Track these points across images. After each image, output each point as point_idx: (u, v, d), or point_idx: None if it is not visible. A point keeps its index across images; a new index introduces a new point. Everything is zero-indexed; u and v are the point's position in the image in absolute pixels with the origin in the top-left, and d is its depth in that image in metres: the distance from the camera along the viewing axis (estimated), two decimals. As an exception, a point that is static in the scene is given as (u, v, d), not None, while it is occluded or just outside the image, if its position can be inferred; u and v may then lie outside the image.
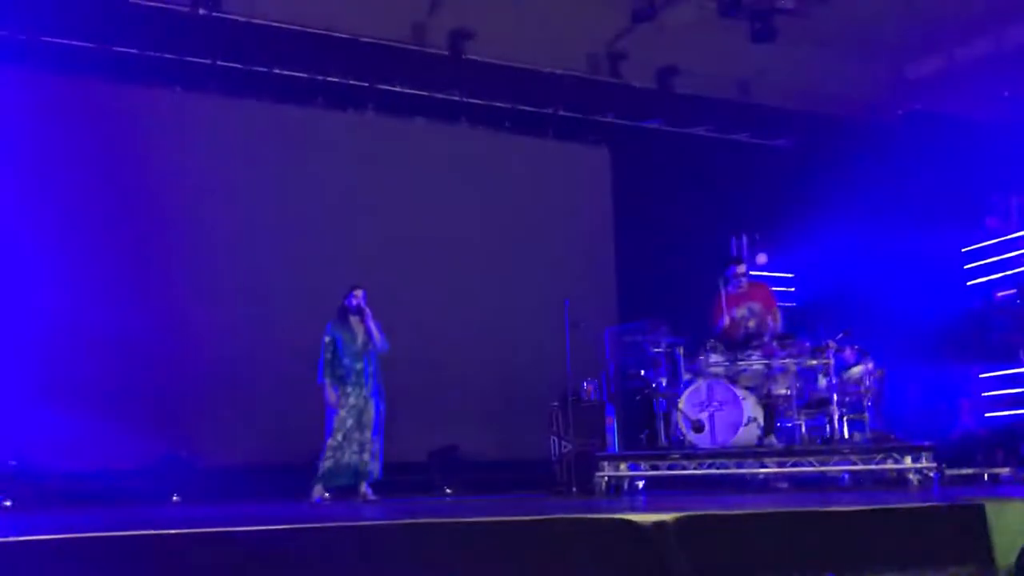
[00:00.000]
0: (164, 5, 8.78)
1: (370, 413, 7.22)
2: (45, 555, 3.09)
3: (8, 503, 7.46)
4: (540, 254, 10.33)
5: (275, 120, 9.64)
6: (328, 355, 7.27)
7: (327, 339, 7.30)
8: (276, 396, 8.78)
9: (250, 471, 8.41)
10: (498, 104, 10.52)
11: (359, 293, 7.38)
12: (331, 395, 7.19)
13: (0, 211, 8.46)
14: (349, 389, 7.22)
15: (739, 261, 8.24)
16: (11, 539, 3.10)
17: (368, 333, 7.31)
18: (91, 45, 8.85)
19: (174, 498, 8.11)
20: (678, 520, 3.56)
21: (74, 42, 8.79)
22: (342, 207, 9.70)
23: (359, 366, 7.26)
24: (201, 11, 8.78)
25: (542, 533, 3.67)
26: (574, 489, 7.82)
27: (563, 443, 8.20)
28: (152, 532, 3.40)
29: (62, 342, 8.28)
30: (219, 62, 9.35)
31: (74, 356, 8.30)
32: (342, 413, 7.15)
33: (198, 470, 8.42)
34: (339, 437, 7.13)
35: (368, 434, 7.20)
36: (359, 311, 7.32)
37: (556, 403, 8.35)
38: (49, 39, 8.70)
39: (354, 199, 9.75)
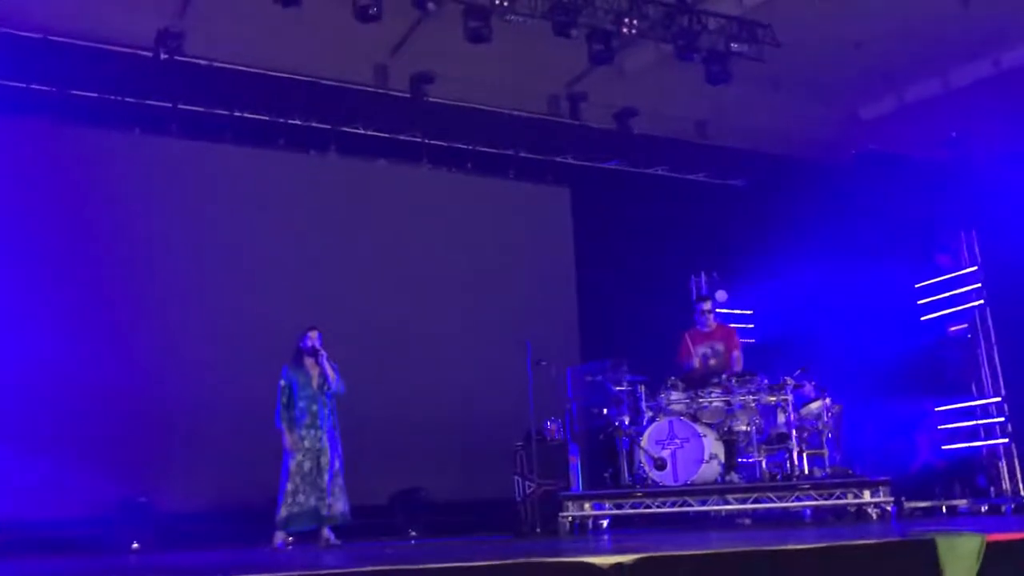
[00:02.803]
0: (125, 49, 8.81)
1: (327, 456, 7.16)
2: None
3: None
4: (502, 294, 10.39)
5: (236, 162, 9.67)
6: (284, 399, 7.20)
7: (283, 383, 7.23)
8: (235, 441, 8.69)
9: (210, 516, 8.30)
10: (459, 145, 10.65)
11: (314, 335, 7.34)
12: (288, 439, 7.13)
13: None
14: (304, 432, 7.15)
15: (706, 299, 8.38)
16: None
17: (323, 375, 7.26)
18: (50, 89, 8.84)
19: (134, 545, 7.99)
20: (636, 561, 3.58)
21: (33, 86, 8.78)
22: (304, 249, 9.71)
23: (314, 408, 7.21)
24: (163, 55, 8.81)
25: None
26: (538, 530, 7.82)
27: (527, 483, 8.20)
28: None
29: (14, 387, 8.16)
30: (180, 105, 9.38)
31: (28, 402, 8.19)
32: (298, 457, 7.08)
33: (158, 516, 8.31)
34: (297, 480, 7.05)
35: (326, 477, 7.13)
36: (314, 352, 7.28)
37: (520, 443, 8.35)
38: (7, 83, 8.69)
39: (316, 240, 9.77)
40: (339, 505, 7.16)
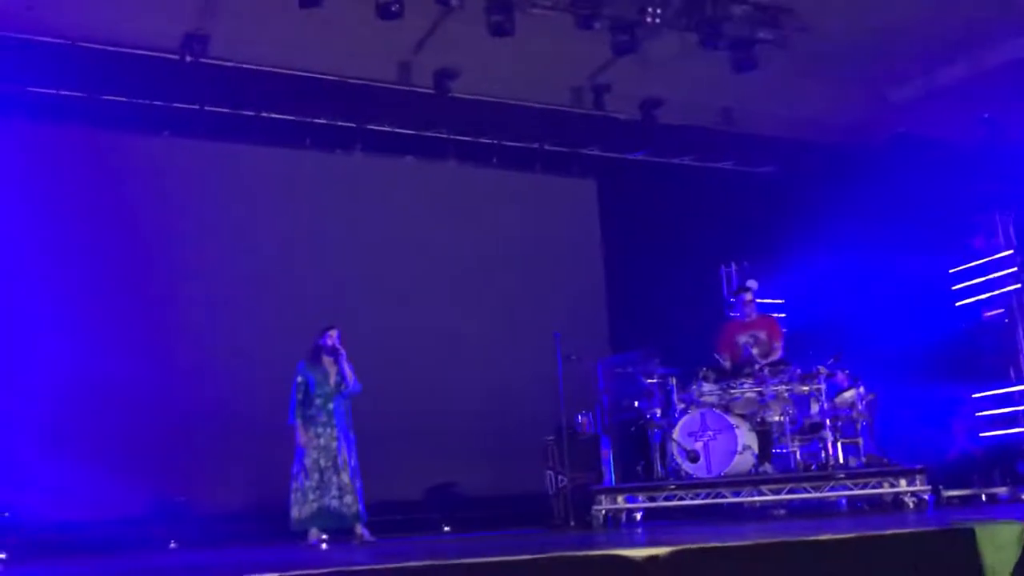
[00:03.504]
0: (152, 53, 8.87)
1: (344, 454, 7.17)
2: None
3: (2, 556, 7.42)
4: (531, 288, 10.38)
5: (263, 163, 9.73)
6: (300, 395, 7.23)
7: (299, 379, 7.26)
8: (270, 440, 8.72)
9: (246, 515, 8.40)
10: (485, 140, 10.64)
11: (333, 333, 7.36)
12: (302, 436, 7.15)
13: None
14: (319, 430, 7.18)
15: (746, 290, 8.32)
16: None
17: (341, 374, 7.29)
18: (81, 94, 8.94)
19: (171, 545, 8.09)
20: (671, 554, 3.56)
21: (64, 92, 8.88)
22: (332, 247, 9.75)
23: (330, 407, 7.23)
24: (188, 57, 8.86)
25: (537, 572, 3.67)
26: (572, 523, 7.81)
27: (559, 477, 8.19)
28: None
29: (53, 392, 8.27)
30: (207, 107, 9.44)
31: (66, 405, 8.29)
32: (313, 454, 7.11)
33: (195, 516, 8.40)
34: (315, 478, 7.07)
35: (345, 476, 7.14)
36: (333, 351, 7.30)
37: (551, 437, 8.34)
38: (38, 89, 8.79)
39: (344, 239, 9.81)
40: (358, 505, 7.17)
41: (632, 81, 10.35)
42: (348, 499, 7.08)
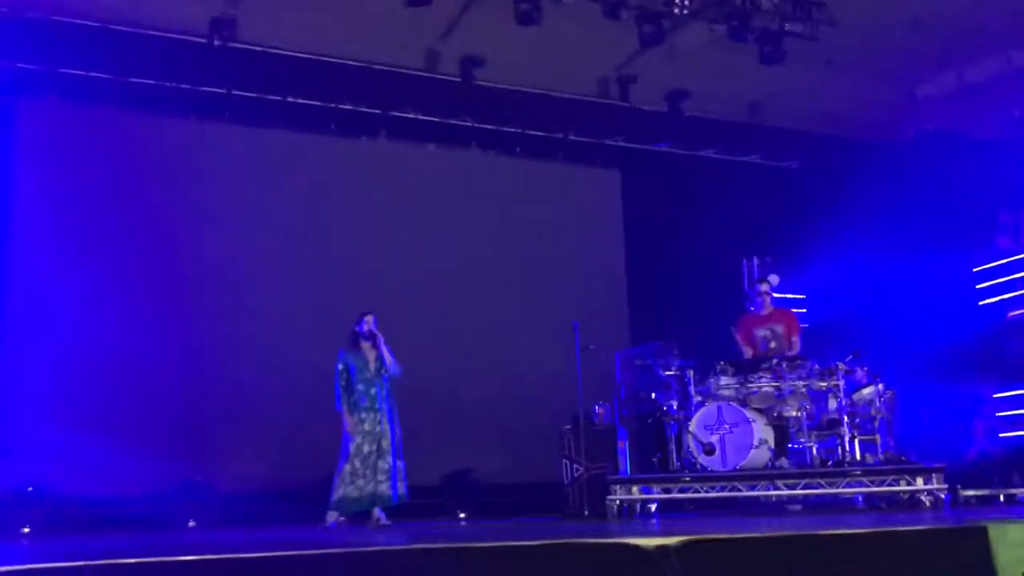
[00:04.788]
0: (180, 36, 8.94)
1: (388, 438, 7.27)
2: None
3: (26, 530, 7.55)
4: (551, 277, 10.40)
5: (289, 148, 9.79)
6: (342, 382, 7.33)
7: (340, 366, 7.36)
8: (289, 422, 8.86)
9: (264, 496, 8.48)
10: (509, 129, 10.64)
11: (369, 319, 7.46)
12: (348, 422, 7.24)
13: (20, 239, 8.65)
14: (364, 415, 7.27)
15: (763, 282, 8.29)
16: (28, 566, 3.17)
17: (380, 358, 7.38)
18: (108, 76, 9.02)
19: (190, 523, 8.19)
20: (681, 544, 3.59)
21: (92, 73, 8.96)
22: (355, 233, 9.81)
23: (373, 391, 7.33)
24: (216, 41, 8.92)
25: (548, 557, 3.70)
26: (586, 512, 7.84)
27: (575, 467, 8.22)
28: (166, 559, 3.46)
29: (78, 369, 8.40)
30: (234, 91, 9.50)
31: (90, 383, 8.42)
32: (358, 440, 7.20)
33: (214, 495, 8.50)
34: (356, 463, 7.16)
35: (389, 460, 7.24)
36: (371, 336, 7.39)
37: (568, 427, 8.37)
38: (67, 71, 8.89)
39: (367, 225, 9.87)
40: (402, 486, 7.27)
41: (658, 72, 10.31)
42: (385, 483, 7.18)
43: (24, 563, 3.23)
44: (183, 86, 9.30)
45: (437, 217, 10.12)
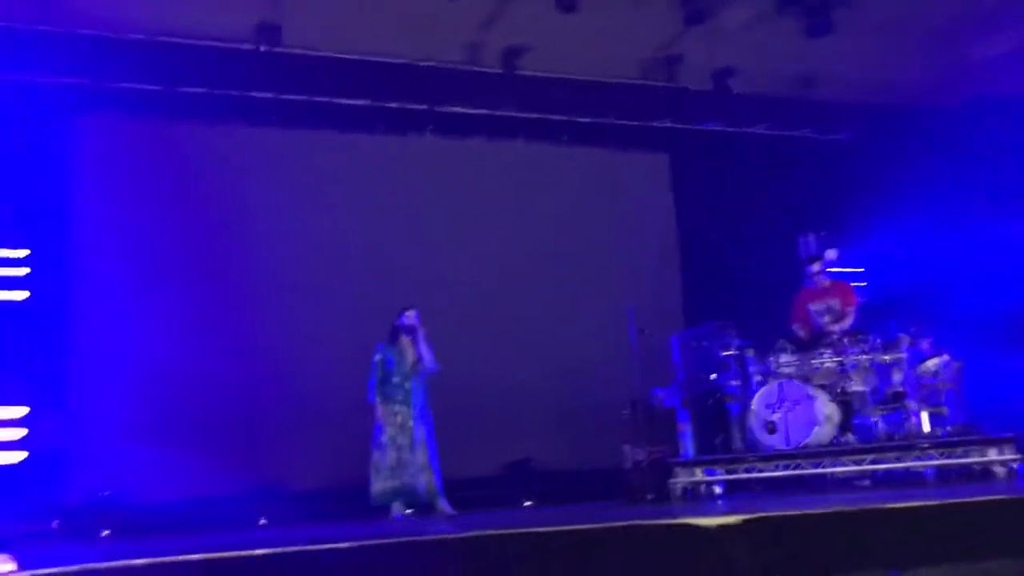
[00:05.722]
0: (226, 44, 9.08)
1: (422, 432, 7.30)
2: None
3: (106, 532, 7.78)
4: (604, 263, 10.37)
5: (338, 148, 9.89)
6: (379, 373, 7.39)
7: (377, 358, 7.43)
8: (353, 421, 8.95)
9: (332, 493, 8.59)
10: (554, 117, 10.61)
11: (411, 313, 7.51)
12: (381, 413, 7.29)
13: (88, 255, 8.88)
14: (397, 408, 7.32)
15: (818, 258, 8.17)
16: (111, 564, 3.28)
17: (418, 354, 7.40)
18: (158, 87, 9.20)
19: (261, 521, 8.35)
20: (743, 523, 3.56)
21: (141, 86, 9.15)
22: (406, 229, 9.87)
23: (408, 385, 7.37)
24: (262, 47, 9.05)
25: (610, 541, 3.71)
26: (650, 497, 7.81)
27: (636, 451, 8.19)
28: (240, 553, 3.55)
29: (150, 379, 8.61)
30: (281, 96, 9.63)
31: (162, 392, 8.61)
32: (391, 432, 7.25)
33: (282, 495, 8.65)
34: (392, 455, 7.21)
35: (424, 454, 7.27)
36: (411, 331, 7.44)
37: (627, 411, 8.35)
38: (117, 84, 9.08)
39: (417, 220, 9.92)
40: (436, 481, 7.30)
41: (704, 51, 10.18)
42: (426, 476, 7.22)
43: (105, 561, 3.35)
44: (231, 93, 9.45)
45: (487, 209, 10.15)
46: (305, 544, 3.74)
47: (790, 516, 3.57)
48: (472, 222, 10.08)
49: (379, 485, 7.19)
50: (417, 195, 10.01)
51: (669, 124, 11.06)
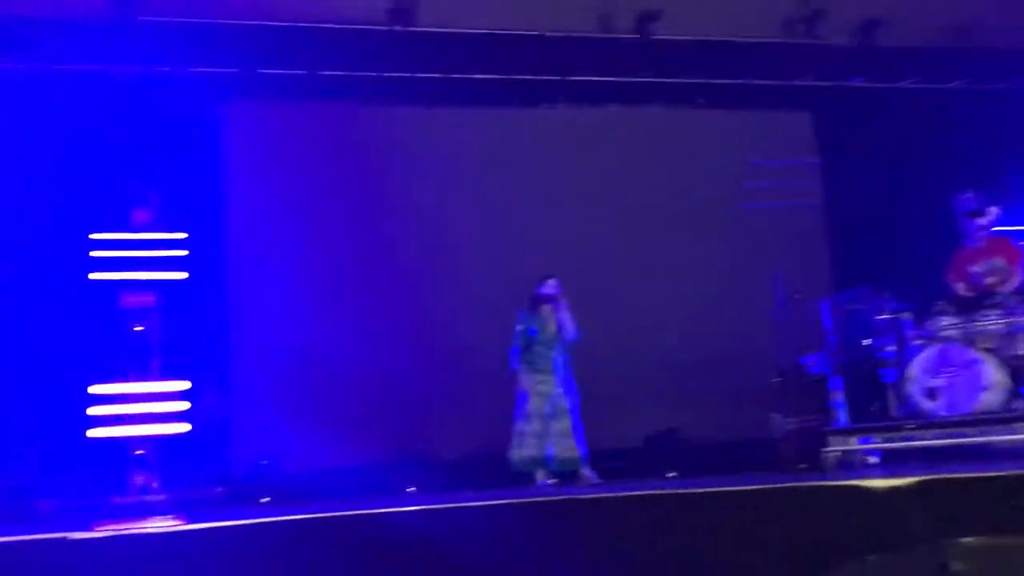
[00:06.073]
0: (362, 26, 9.27)
1: (564, 400, 7.31)
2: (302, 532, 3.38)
3: (266, 499, 8.15)
4: (747, 228, 10.09)
5: (472, 125, 9.97)
6: (521, 342, 7.45)
7: (520, 327, 7.51)
8: (496, 390, 9.06)
9: (475, 462, 8.72)
10: (691, 81, 10.35)
11: (552, 282, 7.55)
12: (525, 381, 7.34)
13: (242, 236, 9.29)
14: (540, 376, 7.37)
15: (977, 213, 7.69)
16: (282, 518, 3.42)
17: (559, 322, 7.42)
18: (301, 72, 9.47)
19: (410, 489, 8.56)
20: (917, 484, 3.39)
21: (285, 71, 9.45)
22: (544, 201, 9.86)
23: (550, 354, 7.42)
24: (397, 27, 9.19)
25: (771, 502, 3.60)
26: (802, 466, 7.58)
27: (786, 420, 7.96)
28: (393, 509, 3.64)
29: (304, 354, 8.98)
30: (417, 74, 9.75)
31: (316, 366, 8.96)
32: (535, 400, 7.29)
33: (430, 464, 8.85)
34: (535, 424, 7.25)
35: (567, 422, 7.28)
36: (552, 300, 7.47)
37: (776, 379, 8.12)
38: (264, 71, 9.41)
39: (555, 192, 9.90)
40: (579, 449, 7.29)
41: (847, 4, 9.74)
42: (569, 444, 7.24)
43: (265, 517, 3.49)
44: (370, 74, 9.63)
45: (624, 177, 10.03)
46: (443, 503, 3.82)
47: (967, 478, 3.37)
48: (609, 191, 9.99)
49: (523, 453, 7.26)
50: (553, 166, 9.98)
51: (811, 82, 10.62)
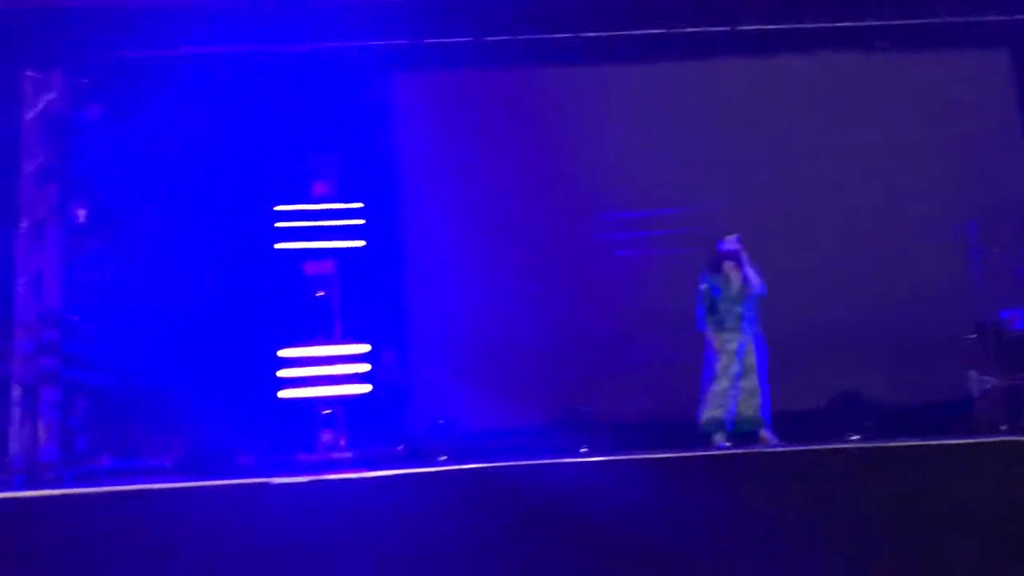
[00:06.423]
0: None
1: (752, 357, 7.15)
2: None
3: (443, 458, 8.39)
4: (937, 177, 9.41)
5: (642, 80, 9.73)
6: (706, 302, 7.33)
7: (703, 287, 7.43)
8: (663, 350, 8.95)
9: (648, 424, 8.63)
10: (868, 23, 9.70)
11: (732, 238, 7.42)
12: (714, 342, 7.23)
13: (417, 204, 9.53)
14: (729, 335, 7.22)
15: None
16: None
17: (744, 278, 7.26)
18: (466, 39, 9.51)
19: (582, 450, 8.59)
20: None
21: (450, 39, 9.50)
22: (723, 157, 9.52)
23: (737, 311, 7.28)
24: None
25: (990, 457, 3.36)
26: (1003, 427, 7.06)
27: (985, 378, 7.43)
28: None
29: (479, 316, 9.14)
30: (583, 33, 9.59)
31: (491, 328, 9.09)
32: (724, 360, 7.17)
33: (598, 424, 8.84)
34: (724, 384, 7.12)
35: (755, 379, 7.13)
36: (733, 256, 7.32)
37: (973, 336, 7.59)
38: (429, 40, 9.51)
39: (729, 146, 9.54)
40: (763, 410, 7.14)
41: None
42: (753, 403, 7.10)
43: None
44: (536, 36, 9.57)
45: (802, 129, 9.56)
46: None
47: None
48: (787, 144, 9.54)
49: (708, 414, 7.17)
50: (728, 119, 9.60)
51: (1006, 17, 9.75)
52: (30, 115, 8.38)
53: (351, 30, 9.28)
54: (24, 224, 8.25)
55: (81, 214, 8.64)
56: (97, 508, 3.91)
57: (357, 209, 9.21)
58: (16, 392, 7.78)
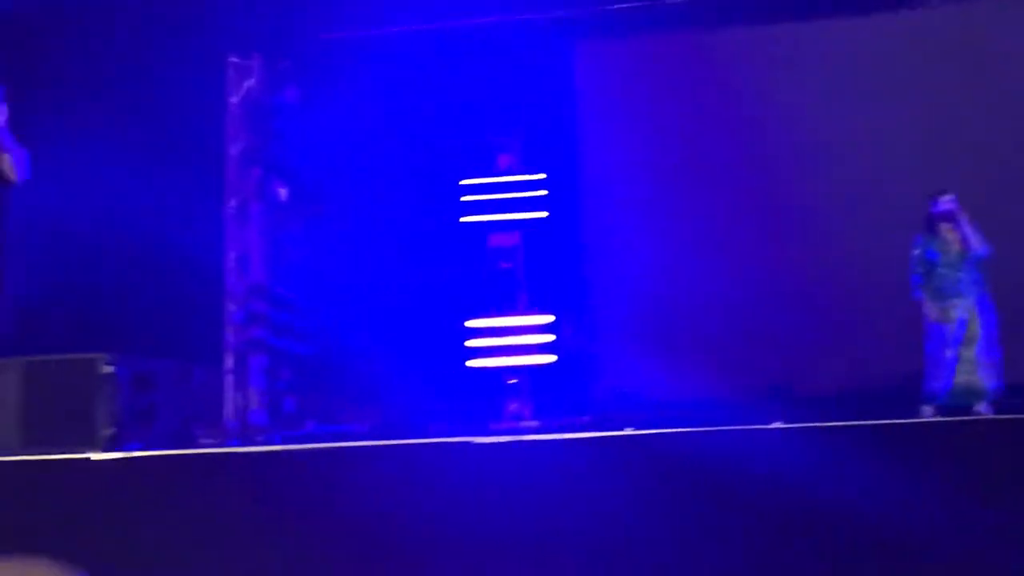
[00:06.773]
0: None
1: (977, 323, 6.68)
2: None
3: (628, 429, 8.33)
4: None
5: (821, 38, 9.23)
6: (920, 269, 6.93)
7: (917, 252, 7.01)
8: (866, 320, 8.50)
9: (843, 396, 8.26)
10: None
11: (947, 198, 6.94)
12: (931, 311, 6.83)
13: (598, 174, 9.48)
14: (950, 302, 6.79)
15: None
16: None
17: (963, 238, 6.79)
18: (647, 3, 9.34)
19: (776, 424, 8.31)
20: None
21: (634, 4, 9.35)
22: (922, 114, 8.91)
23: (958, 275, 6.81)
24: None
25: None
26: None
27: None
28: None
29: (665, 287, 9.02)
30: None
31: (678, 298, 8.98)
32: (949, 327, 6.73)
33: (794, 398, 8.52)
34: (948, 353, 6.71)
35: (979, 348, 6.67)
36: (950, 217, 6.85)
37: None
38: (606, 7, 9.37)
39: (931, 101, 8.91)
40: (992, 380, 6.68)
41: None
42: (973, 373, 6.66)
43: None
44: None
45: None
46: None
47: None
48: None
49: (931, 384, 6.81)
50: (930, 72, 8.94)
51: None
52: (234, 99, 8.88)
53: (533, 1, 9.31)
54: (231, 203, 8.77)
55: (283, 193, 9.11)
56: (320, 463, 4.16)
57: (540, 180, 9.25)
58: (229, 360, 8.32)
